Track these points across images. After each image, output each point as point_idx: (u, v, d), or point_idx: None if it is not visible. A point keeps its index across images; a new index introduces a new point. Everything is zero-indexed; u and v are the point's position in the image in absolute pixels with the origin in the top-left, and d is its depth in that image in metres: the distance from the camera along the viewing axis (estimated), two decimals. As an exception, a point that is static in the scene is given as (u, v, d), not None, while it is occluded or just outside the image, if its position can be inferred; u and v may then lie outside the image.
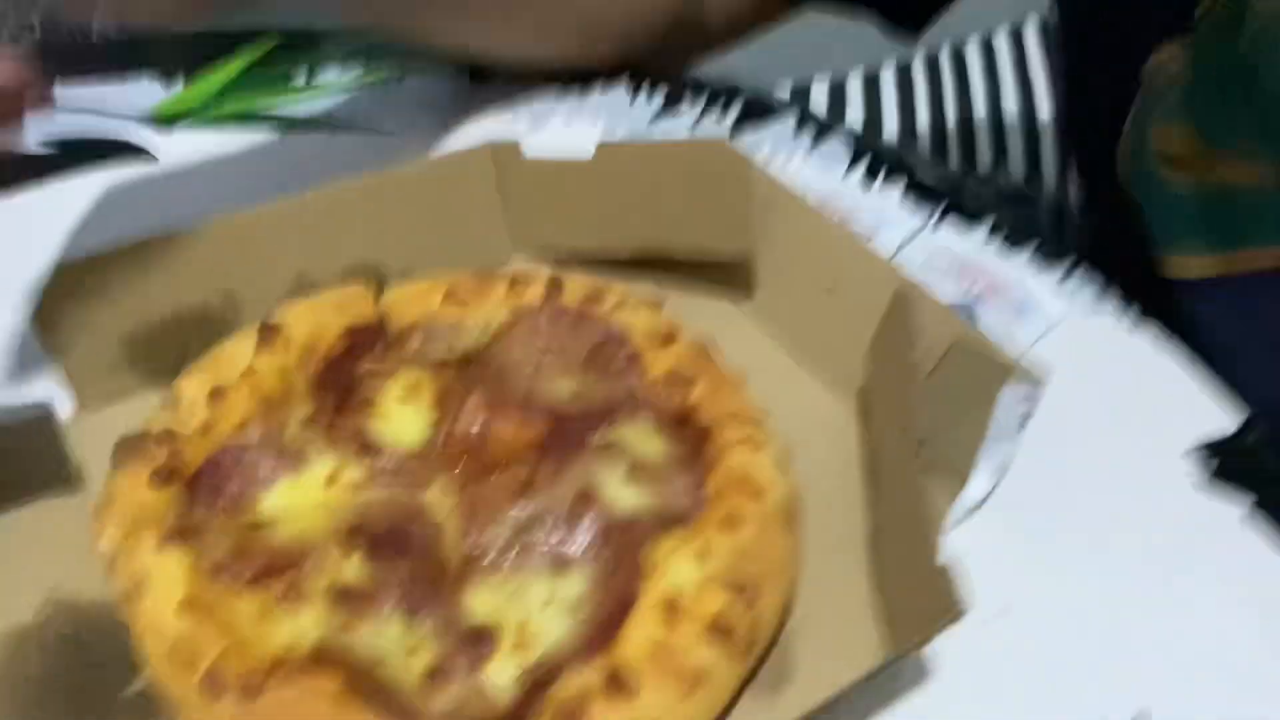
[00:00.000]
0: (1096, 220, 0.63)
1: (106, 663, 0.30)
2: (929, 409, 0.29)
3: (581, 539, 0.31)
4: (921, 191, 0.53)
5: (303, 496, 0.33)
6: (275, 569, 0.30)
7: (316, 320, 0.38)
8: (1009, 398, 0.33)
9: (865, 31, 0.64)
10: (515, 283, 0.40)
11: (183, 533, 0.31)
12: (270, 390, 0.35)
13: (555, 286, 0.40)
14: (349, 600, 0.30)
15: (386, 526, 0.31)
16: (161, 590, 0.29)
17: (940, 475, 0.35)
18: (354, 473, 0.33)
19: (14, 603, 0.32)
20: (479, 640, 0.29)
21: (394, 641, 0.29)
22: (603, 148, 0.40)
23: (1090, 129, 0.60)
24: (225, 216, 0.39)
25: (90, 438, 0.37)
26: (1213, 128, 0.49)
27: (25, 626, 0.31)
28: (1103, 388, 0.41)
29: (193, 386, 0.35)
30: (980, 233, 0.50)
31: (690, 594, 0.29)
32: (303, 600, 0.29)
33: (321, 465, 0.34)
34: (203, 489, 0.33)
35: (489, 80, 0.58)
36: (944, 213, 0.50)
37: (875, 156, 0.56)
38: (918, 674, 0.32)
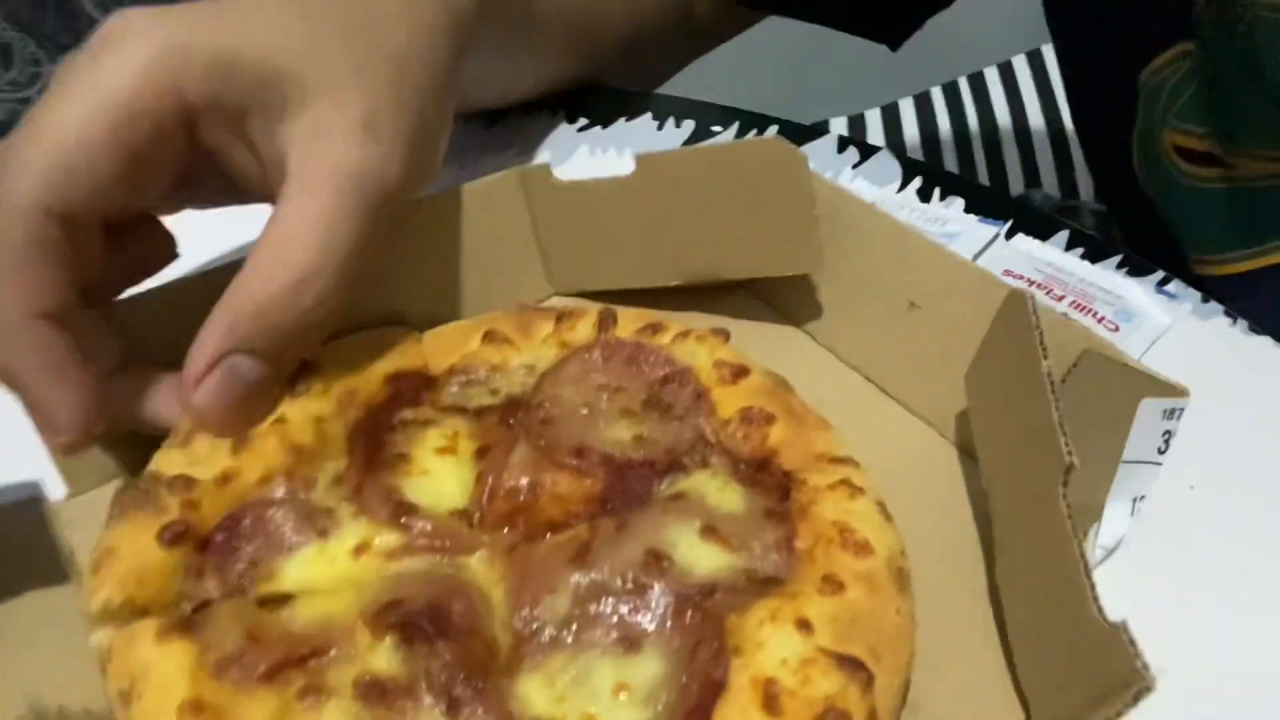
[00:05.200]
0: (1123, 228, 0.63)
1: (98, 784, 0.25)
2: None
3: (653, 610, 0.26)
4: (987, 204, 0.48)
5: (329, 567, 0.28)
6: (294, 660, 0.26)
7: (356, 363, 0.33)
8: (1147, 415, 0.28)
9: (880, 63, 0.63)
10: (562, 318, 0.36)
11: (186, 624, 0.26)
12: (302, 440, 0.30)
13: (608, 318, 0.35)
14: (382, 694, 0.25)
15: (424, 603, 0.26)
16: (160, 691, 0.25)
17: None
18: (387, 539, 0.29)
19: (-9, 714, 0.27)
20: (540, 740, 0.24)
21: (438, 745, 0.24)
22: (642, 159, 0.36)
23: (1100, 138, 0.61)
24: (234, 262, 0.35)
25: (83, 522, 0.32)
26: (1227, 125, 0.49)
27: (4, 743, 0.27)
28: (1232, 398, 0.36)
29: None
30: (1057, 244, 0.46)
31: (793, 675, 0.24)
32: (326, 696, 0.25)
33: (351, 531, 0.29)
34: (217, 552, 0.28)
35: (503, 119, 0.55)
36: (1014, 225, 0.46)
37: (930, 172, 0.52)
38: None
